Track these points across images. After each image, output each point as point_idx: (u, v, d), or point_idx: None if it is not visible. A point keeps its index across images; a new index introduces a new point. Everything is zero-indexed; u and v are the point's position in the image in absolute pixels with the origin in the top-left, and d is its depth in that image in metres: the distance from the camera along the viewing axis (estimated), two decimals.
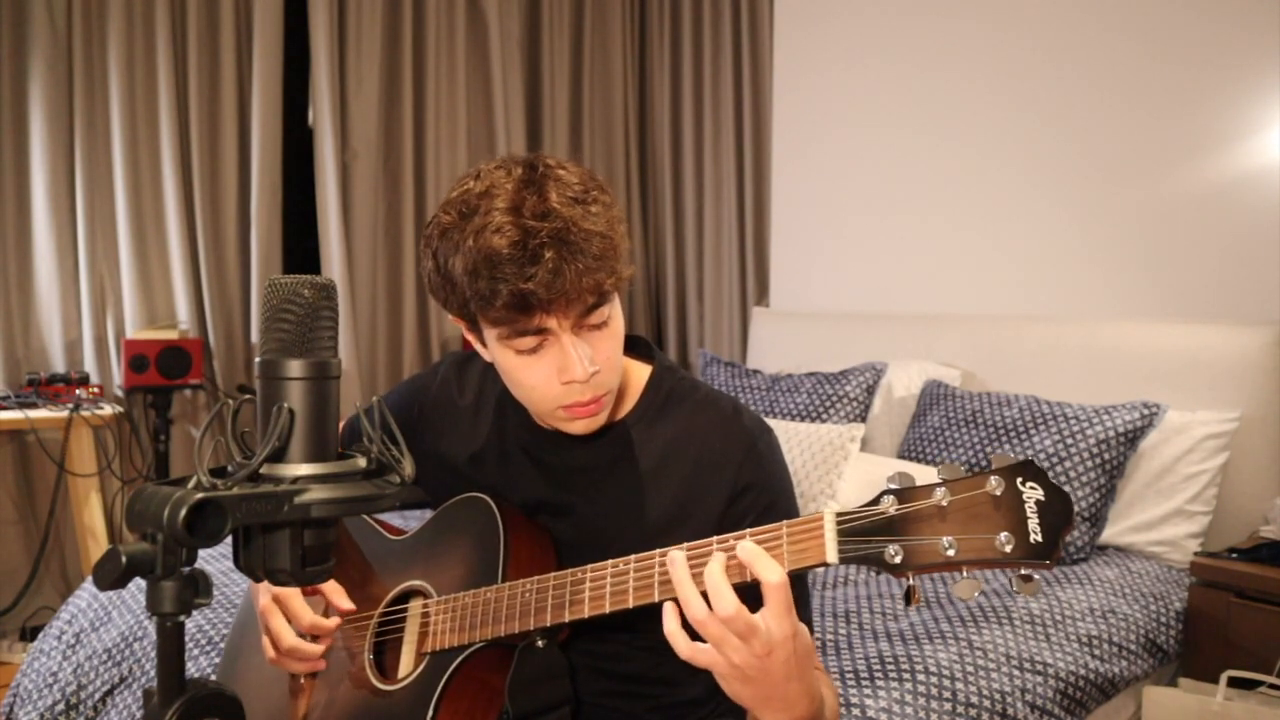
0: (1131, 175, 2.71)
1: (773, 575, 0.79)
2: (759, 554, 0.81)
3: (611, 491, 1.11)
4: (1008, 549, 0.75)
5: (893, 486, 0.81)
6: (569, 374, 0.98)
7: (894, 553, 0.78)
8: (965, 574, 0.77)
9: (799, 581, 1.08)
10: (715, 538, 0.86)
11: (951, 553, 0.76)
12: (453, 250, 0.96)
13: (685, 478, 1.09)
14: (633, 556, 0.92)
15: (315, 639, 1.11)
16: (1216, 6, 2.53)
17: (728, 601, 0.79)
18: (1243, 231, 2.50)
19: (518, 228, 0.92)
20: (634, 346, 1.17)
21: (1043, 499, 0.76)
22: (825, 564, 0.80)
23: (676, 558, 0.84)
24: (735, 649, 0.80)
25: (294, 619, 1.09)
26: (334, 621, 1.10)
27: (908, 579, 0.79)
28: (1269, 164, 2.45)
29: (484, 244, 0.92)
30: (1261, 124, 2.47)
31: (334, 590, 1.12)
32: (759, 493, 1.07)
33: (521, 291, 0.92)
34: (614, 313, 1.02)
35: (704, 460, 1.09)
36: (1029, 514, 0.75)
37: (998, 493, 0.76)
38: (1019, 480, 0.76)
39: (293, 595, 1.09)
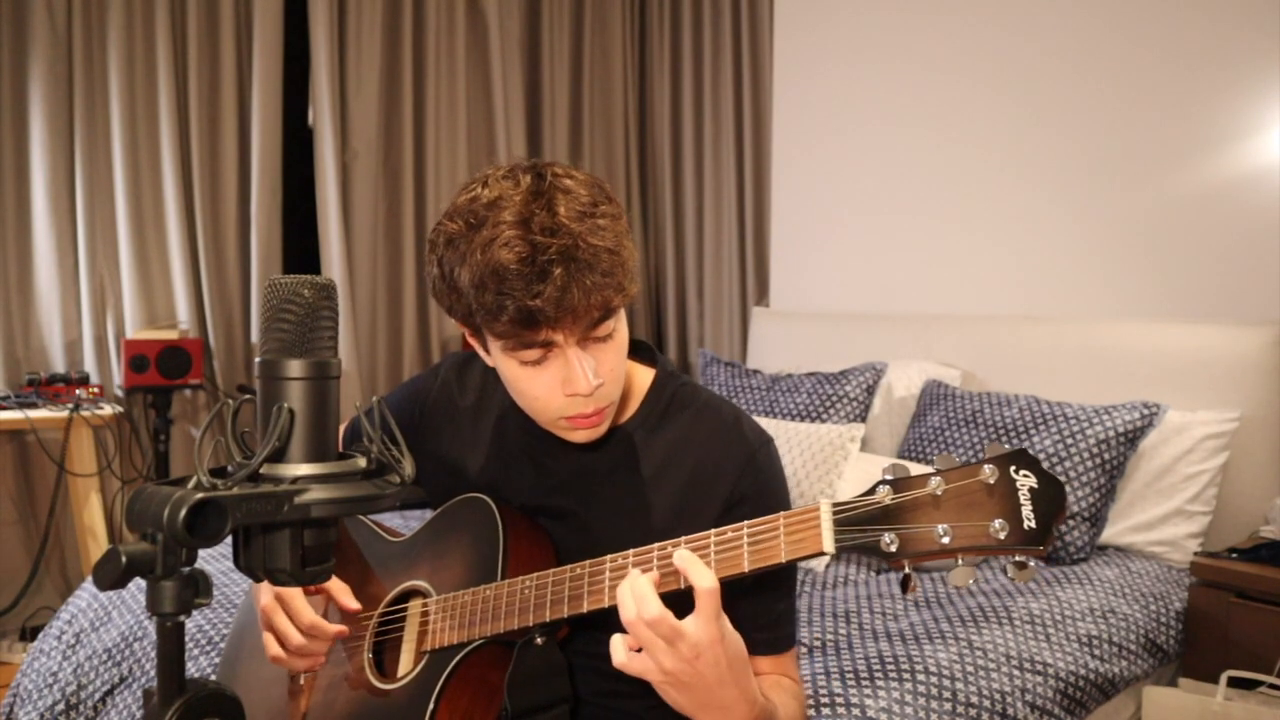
0: (1131, 175, 2.71)
1: (704, 581, 0.82)
2: (693, 561, 0.84)
3: (611, 496, 1.11)
4: (1002, 536, 0.76)
5: (888, 477, 0.81)
6: (573, 386, 0.98)
7: (889, 541, 0.79)
8: (960, 561, 0.78)
9: (786, 596, 1.10)
10: (713, 530, 0.88)
11: (946, 540, 0.77)
12: (459, 261, 0.95)
13: (683, 484, 1.09)
14: (631, 551, 0.92)
15: (314, 639, 1.11)
16: (1216, 6, 2.53)
17: (651, 606, 0.82)
18: (1243, 231, 2.50)
19: (526, 243, 0.91)
20: (637, 350, 1.17)
21: (1036, 486, 0.76)
22: (822, 553, 0.81)
23: (633, 571, 0.87)
24: (663, 653, 0.82)
25: (295, 618, 1.09)
26: (336, 628, 1.10)
27: (904, 568, 0.80)
28: (1269, 164, 2.46)
29: (491, 258, 0.91)
30: (1261, 124, 2.47)
31: (340, 590, 1.12)
32: (755, 504, 1.07)
33: (529, 308, 0.91)
34: (619, 325, 1.02)
35: (702, 468, 1.09)
36: (1022, 501, 0.76)
37: (991, 481, 0.77)
38: (1012, 469, 0.77)
39: (294, 594, 1.09)
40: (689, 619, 0.82)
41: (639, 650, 0.85)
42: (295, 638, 1.09)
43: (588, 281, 0.92)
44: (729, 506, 1.07)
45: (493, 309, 0.93)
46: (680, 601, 0.84)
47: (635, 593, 0.83)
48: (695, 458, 1.10)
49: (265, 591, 1.11)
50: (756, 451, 1.10)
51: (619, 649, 0.85)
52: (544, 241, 0.91)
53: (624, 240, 0.98)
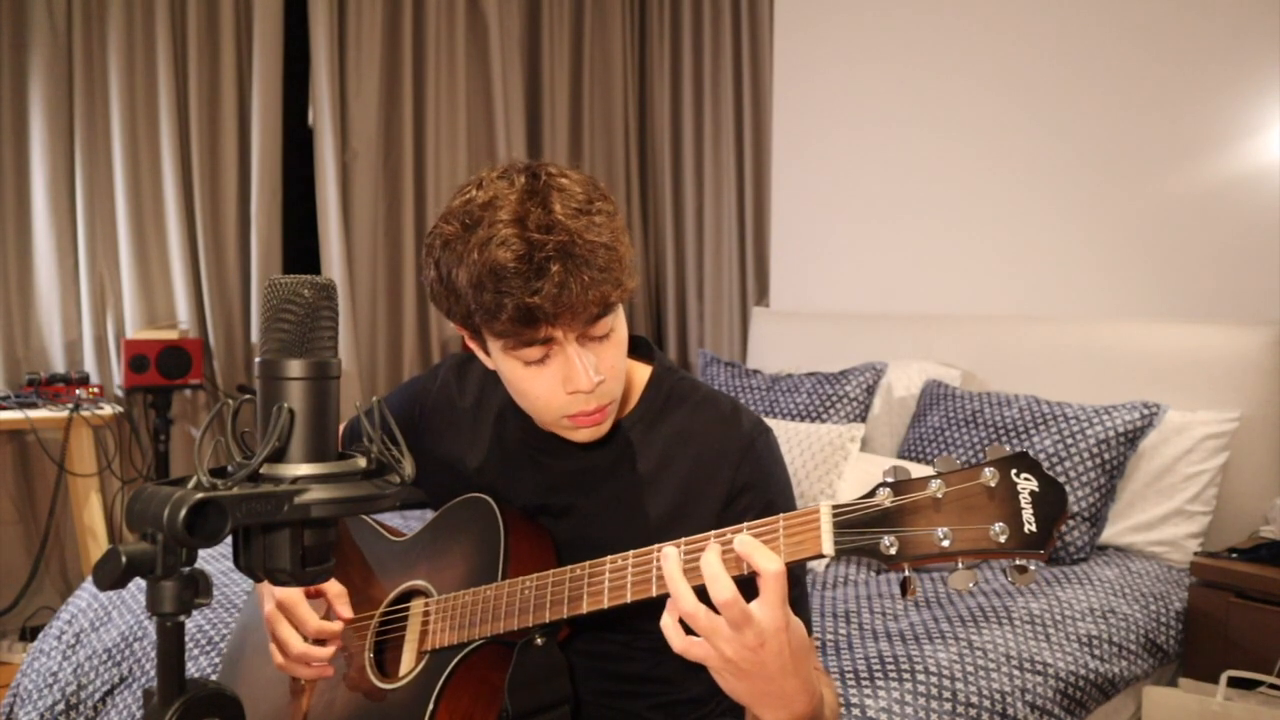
0: (1131, 175, 2.71)
1: (771, 565, 0.79)
2: (756, 545, 0.81)
3: (611, 492, 1.11)
4: (1002, 539, 0.75)
5: (888, 479, 0.81)
6: (574, 384, 0.98)
7: (889, 544, 0.78)
8: (961, 565, 0.77)
9: (797, 583, 1.08)
10: (712, 532, 0.86)
11: (946, 543, 0.77)
12: (456, 262, 0.95)
13: (684, 477, 1.09)
14: (631, 552, 0.92)
15: (322, 644, 1.11)
16: (1216, 6, 2.53)
17: (724, 587, 0.79)
18: (1243, 231, 2.50)
19: (523, 241, 0.91)
20: (634, 347, 1.17)
21: (1037, 490, 0.76)
22: (822, 555, 0.81)
23: (669, 553, 0.84)
24: (727, 640, 0.79)
25: (300, 625, 1.09)
26: (339, 625, 1.10)
27: (904, 570, 0.80)
28: (1269, 164, 2.46)
29: (489, 257, 0.92)
30: (1261, 124, 2.47)
31: (337, 596, 1.12)
32: (757, 492, 1.07)
33: (527, 305, 0.91)
34: (618, 322, 1.02)
35: (702, 460, 1.09)
36: (1023, 505, 0.76)
37: (992, 484, 0.76)
38: (1013, 472, 0.77)
39: (299, 601, 1.09)
40: (755, 604, 0.79)
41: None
42: (297, 646, 1.09)
43: (585, 277, 0.92)
44: (731, 497, 1.07)
45: (491, 308, 0.93)
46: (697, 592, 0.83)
47: (707, 572, 0.80)
48: (694, 450, 1.10)
49: (268, 599, 1.11)
50: (755, 440, 1.10)
51: (676, 634, 0.82)
52: (541, 239, 0.91)
53: (620, 236, 0.98)
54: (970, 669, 1.72)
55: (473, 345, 1.07)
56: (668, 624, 0.82)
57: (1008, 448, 0.79)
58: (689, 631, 0.83)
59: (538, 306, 0.91)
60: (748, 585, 0.81)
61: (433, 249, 0.99)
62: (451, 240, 0.96)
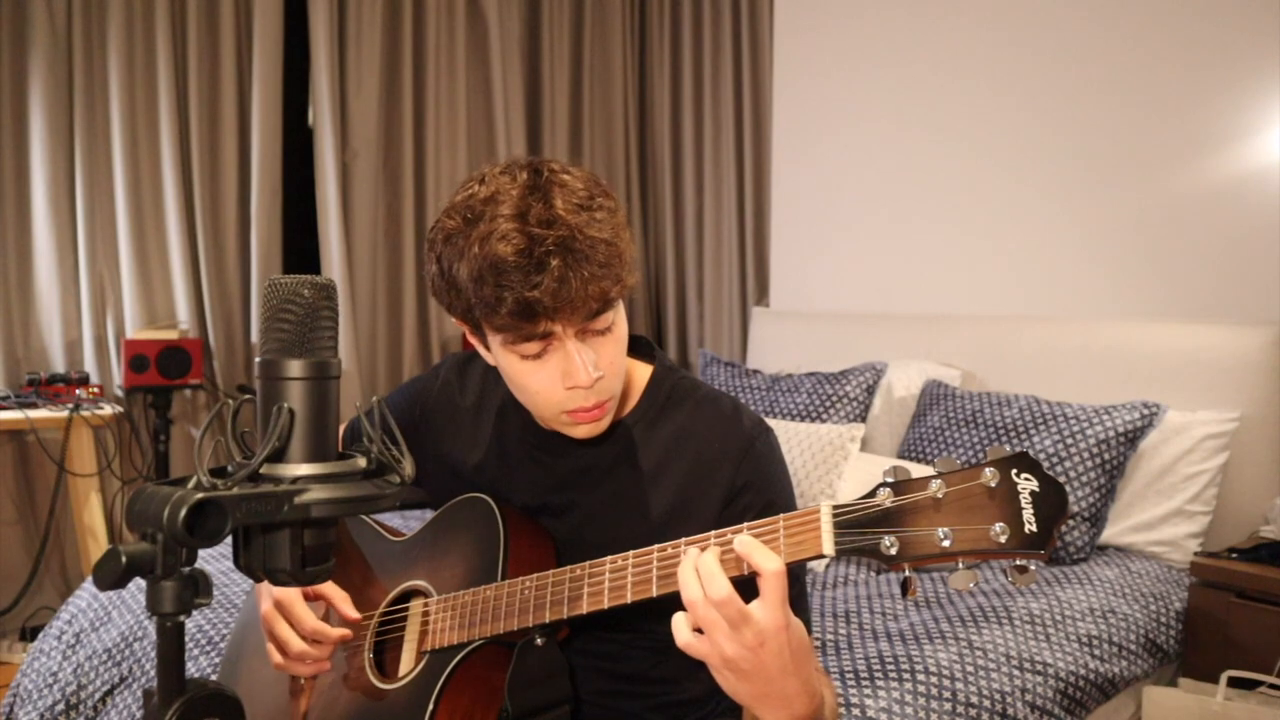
0: (1131, 175, 2.71)
1: (770, 564, 0.80)
2: (756, 545, 0.81)
3: (612, 491, 1.11)
4: (1003, 539, 0.75)
5: (889, 480, 0.81)
6: (573, 379, 0.98)
7: (890, 544, 0.78)
8: (961, 565, 0.77)
9: (796, 581, 1.08)
10: (713, 532, 0.86)
11: (947, 544, 0.77)
12: (457, 256, 0.95)
13: (684, 477, 1.10)
14: (631, 552, 0.92)
15: (318, 644, 1.11)
16: (1216, 6, 2.53)
17: (719, 585, 0.79)
18: (1243, 231, 2.50)
19: (524, 235, 0.92)
20: (635, 346, 1.17)
21: (1037, 490, 0.76)
22: (822, 555, 0.81)
23: (690, 549, 0.85)
24: (727, 637, 0.80)
25: (297, 624, 1.09)
26: (339, 631, 1.10)
27: (904, 571, 0.80)
28: (1269, 164, 2.46)
29: (489, 251, 0.92)
30: (1261, 124, 2.47)
31: (341, 599, 1.12)
32: (757, 492, 1.08)
33: (527, 299, 0.92)
34: (618, 318, 1.02)
35: (703, 459, 1.09)
36: (1024, 505, 0.76)
37: (993, 484, 0.76)
38: (1014, 472, 0.77)
39: (295, 600, 1.09)
40: (754, 604, 0.80)
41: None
42: (296, 644, 1.09)
43: (585, 272, 0.92)
44: (731, 496, 1.07)
45: (491, 302, 0.93)
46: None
47: (703, 571, 0.80)
48: (695, 449, 1.10)
49: (265, 598, 1.11)
50: (755, 440, 1.10)
51: (682, 628, 0.82)
52: (541, 233, 0.92)
53: (621, 232, 0.98)
54: (970, 669, 1.72)
55: (473, 340, 1.07)
56: (678, 619, 0.83)
57: (1008, 448, 0.79)
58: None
59: (537, 301, 0.92)
60: (748, 585, 0.81)
61: (434, 243, 1.00)
62: (453, 234, 0.96)
